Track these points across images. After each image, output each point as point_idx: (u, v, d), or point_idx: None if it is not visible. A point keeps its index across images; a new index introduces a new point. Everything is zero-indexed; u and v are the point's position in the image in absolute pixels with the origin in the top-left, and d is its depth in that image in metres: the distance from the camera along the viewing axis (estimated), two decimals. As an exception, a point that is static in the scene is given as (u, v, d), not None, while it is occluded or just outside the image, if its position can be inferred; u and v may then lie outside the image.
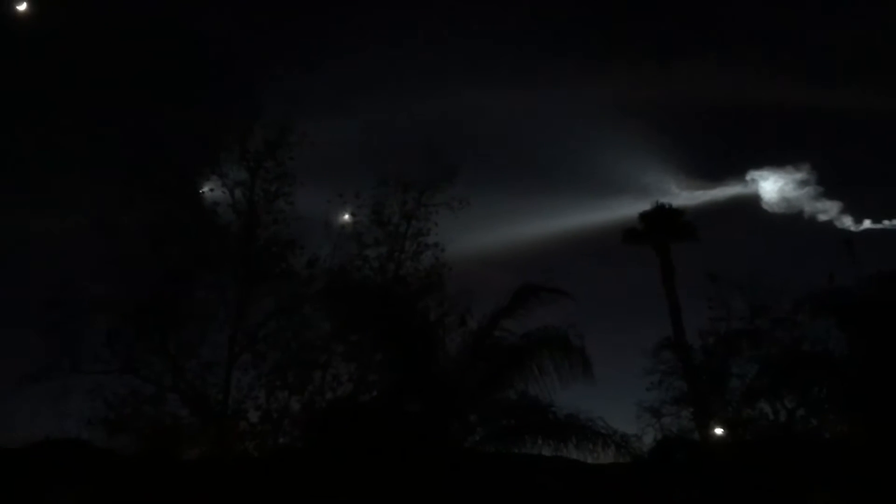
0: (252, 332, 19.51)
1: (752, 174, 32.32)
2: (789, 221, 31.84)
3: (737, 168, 31.90)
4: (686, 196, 30.33)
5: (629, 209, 27.54)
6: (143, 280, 19.11)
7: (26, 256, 19.95)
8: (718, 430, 19.96)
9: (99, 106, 21.13)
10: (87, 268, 18.99)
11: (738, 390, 18.54)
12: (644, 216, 26.27)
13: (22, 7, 22.62)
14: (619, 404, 21.13)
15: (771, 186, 32.36)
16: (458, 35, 31.52)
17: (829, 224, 32.22)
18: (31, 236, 20.80)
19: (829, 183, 31.74)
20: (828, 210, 32.87)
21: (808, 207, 32.64)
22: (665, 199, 26.41)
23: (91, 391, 18.36)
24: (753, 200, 31.93)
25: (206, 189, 20.08)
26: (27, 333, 18.37)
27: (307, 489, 16.85)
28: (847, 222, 32.72)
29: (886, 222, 32.12)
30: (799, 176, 32.05)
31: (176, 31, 26.08)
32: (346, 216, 20.78)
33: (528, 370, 16.30)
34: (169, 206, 19.89)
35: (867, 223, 32.59)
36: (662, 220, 25.86)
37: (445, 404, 17.16)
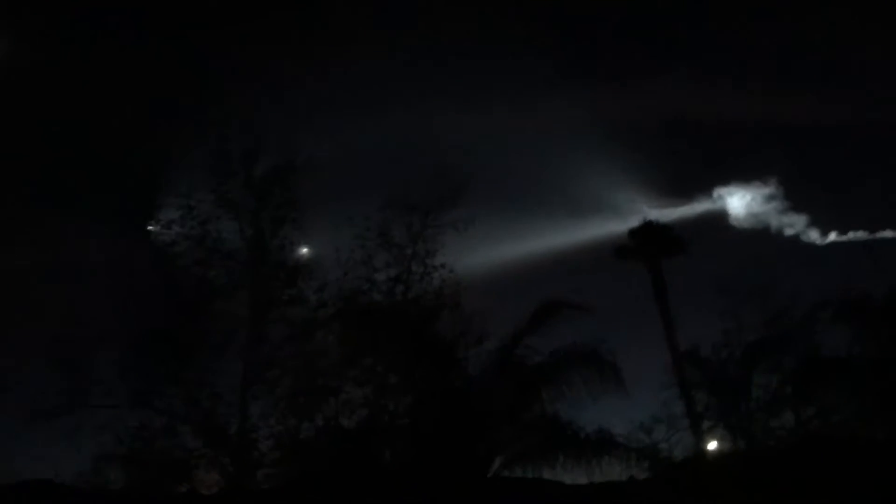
0: (264, 361, 19.26)
1: (720, 190, 32.94)
2: (757, 237, 32.49)
3: (705, 184, 32.43)
4: (656, 214, 30.71)
5: (614, 227, 27.91)
6: (153, 311, 18.78)
7: (30, 293, 19.30)
8: (713, 444, 20.27)
9: (98, 140, 20.79)
10: (95, 302, 18.60)
11: (762, 401, 18.95)
12: (633, 233, 26.63)
13: None
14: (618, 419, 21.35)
15: (738, 202, 32.81)
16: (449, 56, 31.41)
17: (795, 238, 33.00)
18: (33, 272, 20.18)
19: (796, 197, 32.50)
20: (794, 224, 33.64)
21: (775, 222, 33.31)
22: (637, 218, 26.93)
23: (102, 426, 17.90)
24: (722, 217, 32.49)
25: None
26: (37, 370, 17.77)
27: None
28: (814, 236, 33.54)
29: (852, 234, 33.06)
30: (766, 191, 32.77)
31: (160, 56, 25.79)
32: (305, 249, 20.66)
33: (557, 388, 16.45)
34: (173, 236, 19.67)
35: (833, 236, 33.48)
36: (652, 236, 26.23)
37: (468, 425, 17.18)
